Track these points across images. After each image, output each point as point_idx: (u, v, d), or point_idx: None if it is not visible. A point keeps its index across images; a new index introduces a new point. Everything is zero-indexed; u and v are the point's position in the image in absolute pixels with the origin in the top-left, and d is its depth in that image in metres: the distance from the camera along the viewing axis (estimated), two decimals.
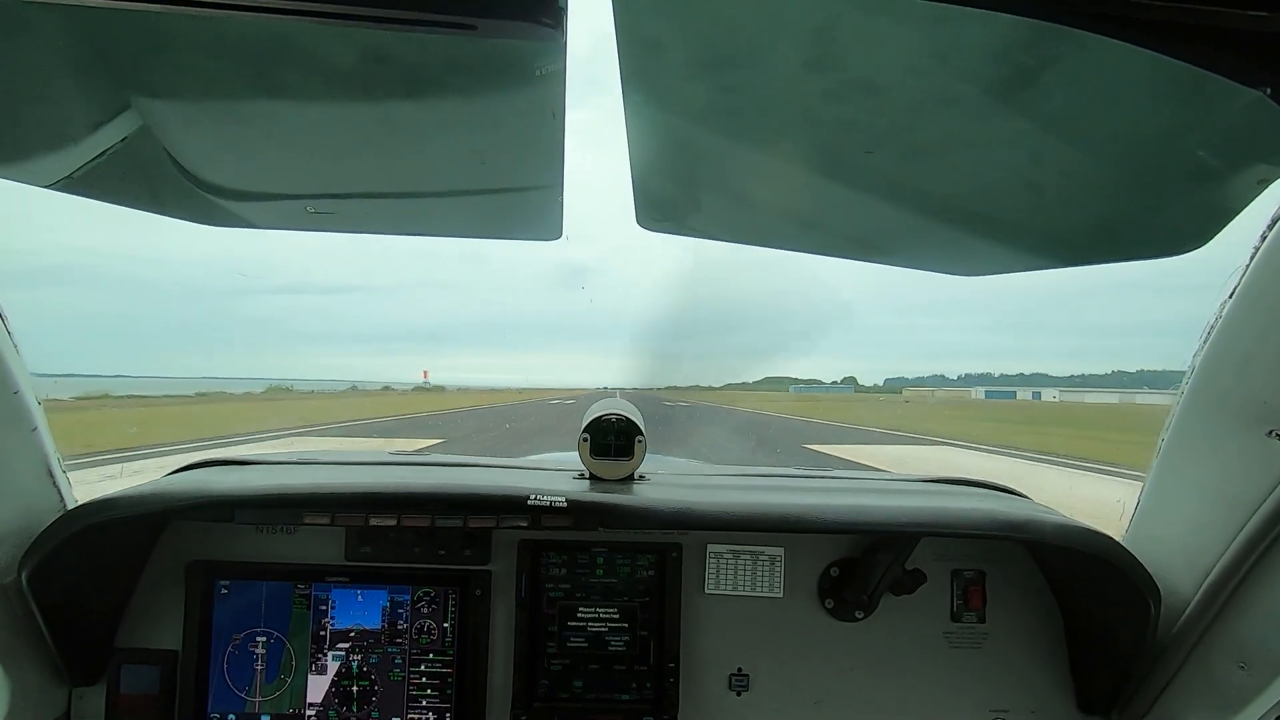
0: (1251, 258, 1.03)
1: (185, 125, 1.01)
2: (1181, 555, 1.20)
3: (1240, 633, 1.11)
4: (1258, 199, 0.95)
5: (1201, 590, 1.15)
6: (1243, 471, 1.07)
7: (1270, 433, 1.02)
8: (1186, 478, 1.22)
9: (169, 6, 0.65)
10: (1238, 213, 0.99)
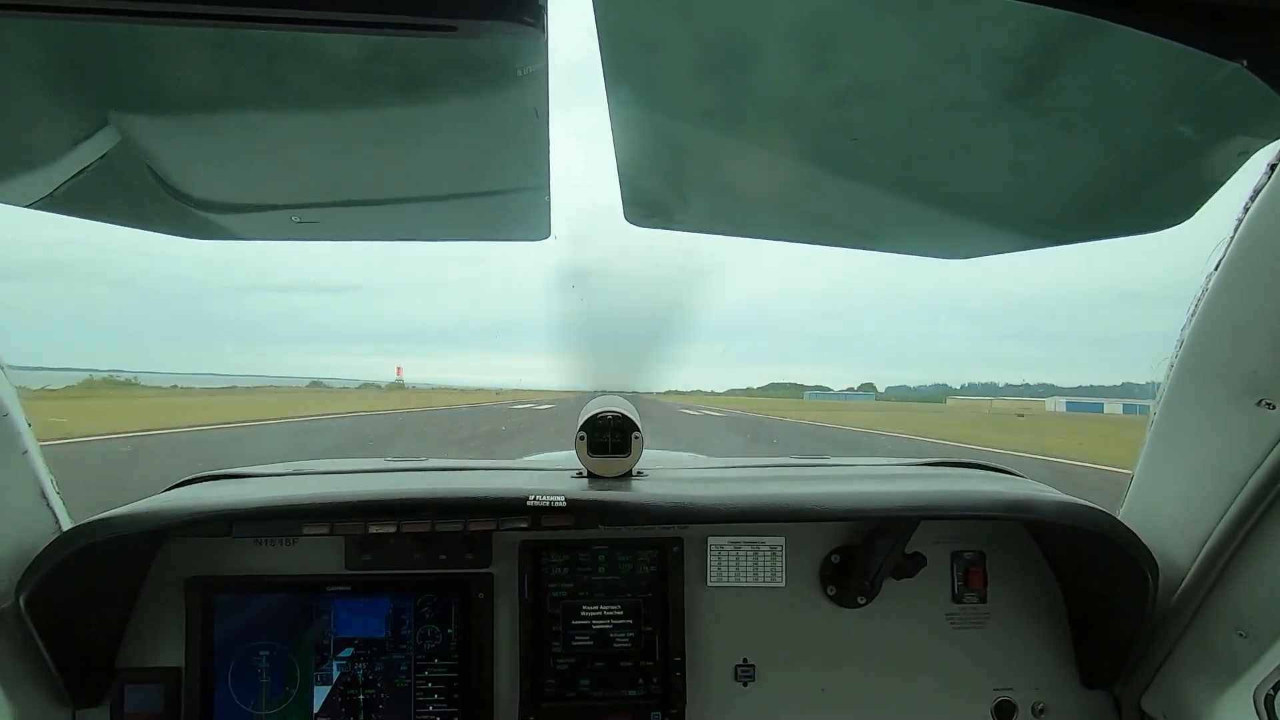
0: (1235, 230, 1.04)
1: (164, 139, 1.00)
2: (1177, 527, 1.22)
3: (1238, 601, 1.12)
4: (1240, 170, 0.96)
5: (1198, 561, 1.16)
6: (1234, 441, 1.08)
7: (1259, 402, 1.03)
8: (1179, 450, 1.23)
9: (143, 20, 0.64)
10: (1221, 185, 1.00)
